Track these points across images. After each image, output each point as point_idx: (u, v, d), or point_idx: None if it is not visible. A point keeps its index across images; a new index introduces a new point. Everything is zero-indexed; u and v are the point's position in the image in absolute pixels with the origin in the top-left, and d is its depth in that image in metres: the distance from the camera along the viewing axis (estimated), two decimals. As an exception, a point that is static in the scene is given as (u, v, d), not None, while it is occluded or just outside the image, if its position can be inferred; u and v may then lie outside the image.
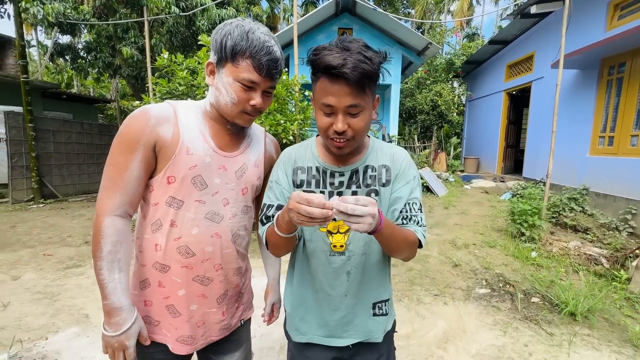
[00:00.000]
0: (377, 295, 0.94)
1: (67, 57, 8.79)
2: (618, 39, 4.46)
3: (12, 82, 7.41)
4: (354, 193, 0.87)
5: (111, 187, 0.79)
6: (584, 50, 4.99)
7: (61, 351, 2.03)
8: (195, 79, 3.95)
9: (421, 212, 0.88)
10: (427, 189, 6.98)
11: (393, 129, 8.87)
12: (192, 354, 0.98)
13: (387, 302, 0.96)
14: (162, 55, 3.97)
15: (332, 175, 0.88)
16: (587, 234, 4.29)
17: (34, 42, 17.48)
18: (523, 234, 4.09)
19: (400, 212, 0.86)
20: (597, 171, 5.26)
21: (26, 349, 2.04)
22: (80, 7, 7.24)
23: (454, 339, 2.23)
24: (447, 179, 8.35)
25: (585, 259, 3.51)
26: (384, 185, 0.88)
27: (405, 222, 0.85)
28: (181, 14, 6.79)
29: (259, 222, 0.92)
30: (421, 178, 6.77)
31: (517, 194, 6.17)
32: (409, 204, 0.86)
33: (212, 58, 0.85)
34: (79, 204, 6.89)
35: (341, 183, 0.87)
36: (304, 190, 0.87)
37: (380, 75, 0.76)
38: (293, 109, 4.53)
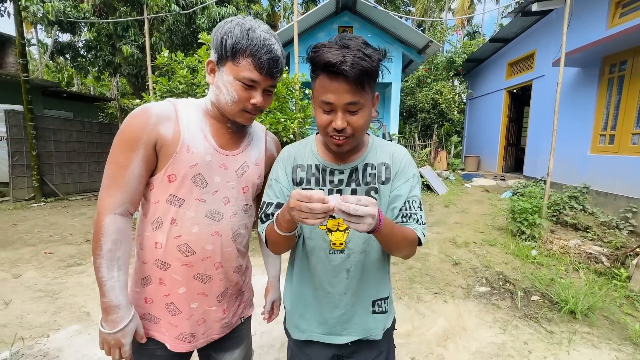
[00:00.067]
0: (376, 293, 0.94)
1: (67, 56, 8.77)
2: (619, 37, 4.44)
3: (13, 80, 7.41)
4: (354, 191, 0.87)
5: (112, 186, 0.80)
6: (585, 48, 4.97)
7: (62, 349, 2.04)
8: (196, 78, 3.95)
9: (421, 210, 0.87)
10: (427, 187, 6.98)
11: (393, 127, 8.85)
12: (192, 352, 0.99)
13: (386, 300, 0.97)
14: (162, 53, 3.97)
15: (332, 173, 0.88)
16: (588, 232, 4.29)
17: (34, 41, 17.46)
18: (523, 233, 4.09)
19: (400, 210, 0.86)
20: (597, 169, 5.25)
21: (28, 347, 2.05)
22: (80, 5, 7.22)
23: (454, 336, 2.24)
24: (447, 178, 8.35)
25: (586, 257, 3.51)
26: (383, 183, 0.88)
27: (404, 220, 0.85)
28: (181, 12, 6.77)
29: (259, 220, 0.92)
30: (421, 176, 6.79)
31: (518, 192, 6.17)
32: (408, 202, 0.86)
33: (213, 56, 0.85)
34: (80, 203, 6.90)
35: (341, 181, 0.87)
36: (303, 188, 0.87)
37: (380, 72, 0.76)
38: (293, 108, 4.53)
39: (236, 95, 0.82)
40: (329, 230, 0.88)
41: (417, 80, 11.98)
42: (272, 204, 0.89)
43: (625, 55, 4.90)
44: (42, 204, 6.62)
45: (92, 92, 16.77)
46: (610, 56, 5.16)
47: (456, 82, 13.96)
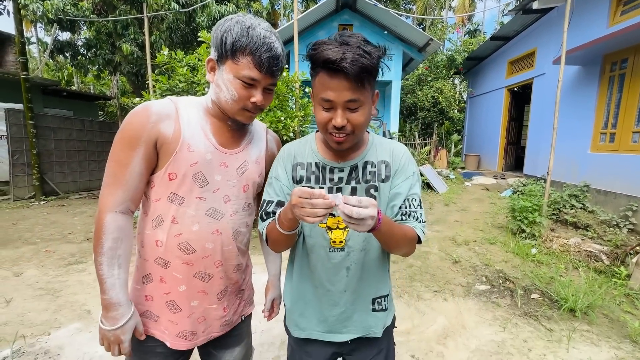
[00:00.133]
0: (376, 291, 0.94)
1: (67, 54, 8.76)
2: (621, 35, 4.42)
3: (12, 79, 7.41)
4: (354, 189, 0.87)
5: (113, 184, 0.80)
6: (586, 46, 4.96)
7: (63, 346, 2.04)
8: (196, 76, 3.94)
9: (421, 207, 0.87)
10: (427, 186, 6.98)
11: (394, 125, 8.85)
12: (192, 349, 0.99)
13: (386, 298, 0.97)
14: (162, 52, 3.96)
15: (332, 171, 0.88)
16: (588, 230, 4.29)
17: (33, 39, 17.44)
18: (523, 231, 4.09)
19: (400, 208, 0.86)
20: (598, 168, 5.25)
21: (29, 345, 2.06)
22: (80, 3, 7.20)
23: (454, 334, 2.24)
24: (447, 176, 8.35)
25: (586, 255, 3.52)
26: (383, 181, 0.88)
27: (404, 218, 0.85)
28: (181, 10, 6.75)
29: (259, 218, 0.92)
30: (422, 175, 6.79)
31: (518, 190, 6.17)
32: (408, 199, 0.86)
33: (213, 54, 0.84)
34: (80, 201, 6.91)
35: (340, 179, 0.87)
36: (303, 187, 0.87)
37: (380, 70, 0.76)
38: (293, 106, 4.53)
39: (236, 94, 0.82)
40: (329, 228, 0.88)
41: (418, 78, 11.96)
42: (273, 202, 0.89)
43: (626, 53, 4.89)
44: (42, 202, 6.63)
45: (92, 91, 16.75)
46: (611, 54, 5.15)
47: (456, 81, 13.93)
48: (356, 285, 0.91)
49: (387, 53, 0.76)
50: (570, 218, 4.57)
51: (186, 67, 3.93)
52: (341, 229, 0.87)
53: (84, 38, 8.62)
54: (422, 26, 17.34)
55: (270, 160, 1.01)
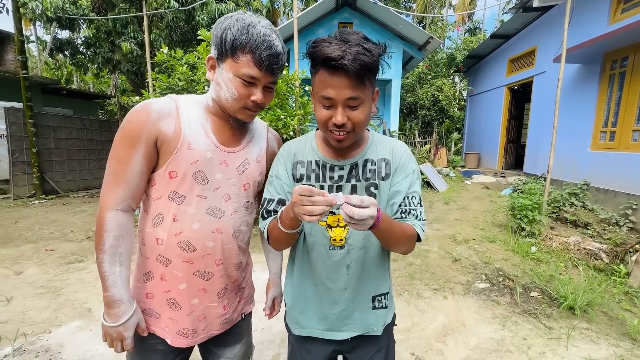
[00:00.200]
0: (376, 289, 0.95)
1: (67, 53, 8.75)
2: (621, 33, 4.42)
3: (12, 77, 7.39)
4: (354, 187, 0.87)
5: (114, 182, 0.80)
6: (586, 44, 4.95)
7: (64, 344, 2.05)
8: (195, 74, 3.94)
9: (421, 205, 0.87)
10: (427, 184, 6.98)
11: (394, 124, 8.84)
12: (193, 347, 0.99)
13: (386, 296, 0.97)
14: (161, 50, 3.96)
15: (332, 169, 0.88)
16: (587, 229, 4.29)
17: (33, 38, 17.40)
18: (523, 229, 4.10)
19: (399, 206, 0.86)
20: (598, 166, 5.25)
21: (30, 342, 2.06)
22: (79, 1, 7.19)
23: (453, 332, 2.25)
24: (447, 175, 8.35)
25: (585, 253, 3.52)
26: (383, 179, 0.88)
27: (404, 216, 0.85)
28: (180, 8, 6.73)
29: (260, 217, 0.92)
30: (422, 173, 6.78)
31: (518, 189, 6.17)
32: (408, 197, 0.86)
33: (213, 52, 0.84)
34: (80, 200, 6.91)
35: (341, 177, 0.87)
36: (303, 184, 0.87)
37: (380, 67, 0.76)
38: (293, 104, 4.52)
39: (236, 92, 0.81)
40: (329, 226, 0.88)
41: (418, 77, 11.95)
42: (274, 200, 0.89)
43: (626, 51, 4.88)
44: (42, 201, 6.63)
45: (91, 90, 16.73)
46: (611, 52, 5.14)
47: (457, 79, 13.92)
48: (356, 283, 0.91)
49: (387, 51, 0.76)
50: (570, 216, 4.58)
51: (186, 66, 3.92)
52: (341, 227, 0.88)
53: (84, 36, 8.60)
54: (422, 24, 17.30)
55: (270, 159, 1.01)
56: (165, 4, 6.57)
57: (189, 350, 1.01)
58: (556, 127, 4.41)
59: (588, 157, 5.52)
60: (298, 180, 0.90)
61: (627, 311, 2.51)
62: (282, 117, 3.89)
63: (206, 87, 3.78)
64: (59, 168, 7.49)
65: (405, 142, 9.85)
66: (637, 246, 3.30)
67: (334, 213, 0.87)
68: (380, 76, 0.79)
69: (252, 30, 0.78)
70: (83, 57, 8.62)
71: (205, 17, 6.95)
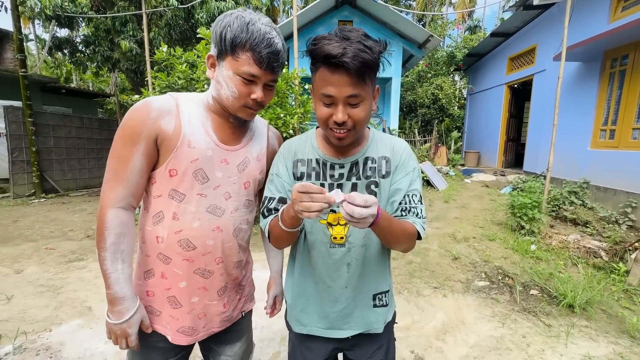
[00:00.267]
0: (377, 287, 0.95)
1: (66, 51, 8.73)
2: (621, 31, 4.41)
3: (11, 76, 7.37)
4: (354, 185, 0.87)
5: (114, 179, 0.80)
6: (586, 42, 4.94)
7: (65, 342, 2.05)
8: (195, 73, 3.93)
9: (421, 203, 0.87)
10: (427, 183, 6.99)
11: (394, 122, 8.83)
12: (193, 344, 1.00)
13: (387, 294, 0.97)
14: (160, 48, 3.95)
15: (332, 167, 0.88)
16: (587, 227, 4.30)
17: (32, 36, 17.35)
18: (523, 227, 4.10)
19: (400, 203, 0.86)
20: (598, 165, 5.25)
21: (30, 341, 2.07)
22: (78, 0, 7.17)
23: (453, 330, 2.26)
24: (447, 173, 8.35)
25: (585, 252, 3.53)
26: (383, 177, 0.87)
27: (404, 213, 0.85)
28: (180, 6, 6.72)
29: (261, 215, 0.92)
30: (421, 172, 6.78)
31: (518, 187, 6.17)
32: (408, 195, 0.86)
33: (213, 50, 0.84)
34: (80, 199, 6.91)
35: (341, 175, 0.87)
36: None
37: (381, 65, 0.76)
38: (293, 103, 4.52)
39: (236, 91, 0.81)
40: (330, 224, 0.88)
41: (418, 75, 11.93)
42: (274, 198, 0.89)
43: (626, 49, 4.87)
44: (42, 200, 6.63)
45: (91, 88, 16.70)
46: (611, 50, 5.13)
47: (457, 77, 13.89)
48: (357, 281, 0.91)
49: (387, 49, 0.75)
50: (569, 215, 4.58)
51: (185, 64, 3.91)
52: (342, 225, 0.88)
53: (83, 35, 8.59)
54: (422, 22, 17.26)
55: (271, 157, 1.01)
56: (165, 2, 6.55)
57: (190, 347, 1.01)
58: (556, 125, 4.41)
59: (588, 156, 5.52)
60: (298, 178, 0.90)
61: (626, 309, 2.51)
62: (282, 115, 3.89)
63: (205, 86, 3.77)
64: (59, 167, 7.49)
65: (405, 141, 9.82)
66: (636, 244, 3.30)
67: (334, 211, 0.87)
68: (380, 74, 0.79)
69: (252, 28, 0.77)
70: (82, 55, 8.60)
71: (204, 16, 6.93)
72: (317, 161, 0.89)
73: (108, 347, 2.00)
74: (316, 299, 0.94)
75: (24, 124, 6.68)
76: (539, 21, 7.25)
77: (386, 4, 7.49)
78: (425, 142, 10.41)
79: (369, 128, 0.94)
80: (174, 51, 3.98)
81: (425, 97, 10.93)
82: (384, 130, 8.60)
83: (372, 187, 0.87)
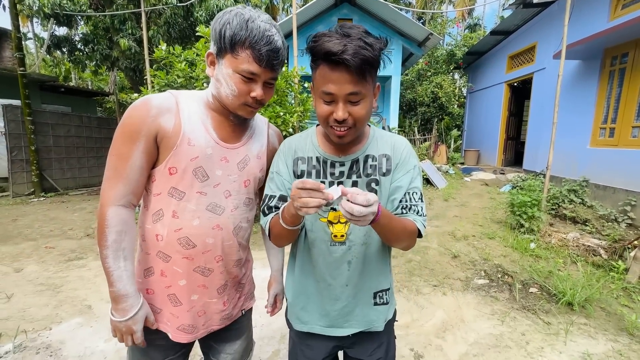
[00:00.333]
0: (377, 285, 0.95)
1: (64, 50, 8.71)
2: (621, 29, 4.40)
3: (10, 75, 7.35)
4: (354, 183, 0.87)
5: (114, 177, 0.80)
6: (586, 40, 4.93)
7: (65, 341, 2.06)
8: (194, 71, 3.92)
9: (422, 201, 0.87)
10: (427, 181, 6.99)
11: (393, 121, 8.82)
12: (193, 342, 1.00)
13: (387, 292, 0.97)
14: (160, 47, 3.93)
15: (333, 165, 0.88)
16: (586, 225, 4.31)
17: (30, 35, 17.28)
18: (522, 226, 4.10)
19: (400, 201, 0.86)
20: (597, 163, 5.25)
21: (30, 339, 2.07)
22: (76, -3, 7.15)
23: (453, 328, 2.26)
24: (447, 172, 8.34)
25: (584, 250, 3.53)
26: (384, 174, 0.87)
27: (404, 211, 0.85)
28: (179, 4, 6.69)
29: (261, 213, 0.92)
30: (421, 170, 6.79)
31: (517, 186, 6.18)
32: (408, 193, 0.86)
33: (212, 48, 0.83)
34: (80, 198, 6.90)
35: (342, 173, 0.87)
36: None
37: (381, 62, 0.75)
38: (292, 101, 4.51)
39: (236, 89, 0.81)
40: (330, 222, 0.88)
41: (417, 73, 11.90)
42: (275, 196, 0.89)
43: (626, 47, 4.86)
44: (41, 199, 6.62)
45: (89, 87, 16.65)
46: (611, 48, 5.12)
47: (456, 76, 13.87)
48: (357, 279, 0.91)
49: (387, 44, 0.75)
50: (569, 213, 4.59)
51: (184, 63, 3.90)
52: (342, 223, 0.87)
53: (81, 33, 8.55)
54: (421, 20, 17.22)
55: (271, 155, 1.00)
56: (164, 0, 6.52)
57: (190, 345, 1.01)
58: (556, 123, 4.40)
59: (587, 154, 5.52)
60: (299, 176, 0.90)
61: (625, 307, 2.52)
62: (281, 114, 3.88)
63: (205, 84, 3.76)
64: (58, 166, 7.47)
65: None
66: (635, 242, 3.31)
67: (334, 209, 0.87)
68: (379, 72, 0.78)
69: (251, 25, 0.77)
70: (81, 54, 8.58)
71: (203, 14, 6.91)
72: (318, 159, 0.89)
73: (108, 345, 2.01)
74: (317, 297, 0.94)
75: (23, 122, 6.66)
76: (539, 19, 7.23)
77: (386, 2, 7.45)
78: (425, 140, 10.40)
79: (369, 126, 0.93)
80: (173, 49, 3.96)
81: (425, 96, 10.91)
82: (383, 129, 8.58)
83: (373, 185, 0.87)
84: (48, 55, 13.95)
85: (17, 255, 3.52)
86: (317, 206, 0.64)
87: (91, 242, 3.97)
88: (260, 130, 1.01)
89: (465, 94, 12.43)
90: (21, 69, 6.43)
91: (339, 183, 0.87)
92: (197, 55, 3.97)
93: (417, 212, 0.85)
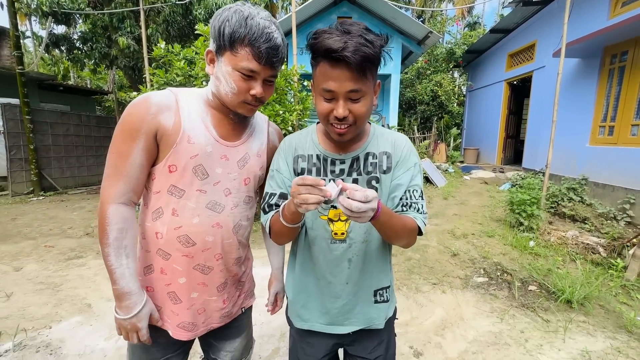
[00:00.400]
0: (378, 282, 0.95)
1: (63, 48, 8.66)
2: (621, 27, 4.40)
3: (8, 73, 7.32)
4: (355, 180, 0.87)
5: (114, 175, 0.80)
6: (586, 38, 4.93)
7: (65, 339, 2.06)
8: (193, 69, 3.91)
9: (422, 199, 0.87)
10: (426, 179, 6.99)
11: (393, 119, 8.82)
12: (193, 340, 1.00)
13: (388, 289, 0.97)
14: (158, 45, 3.92)
15: (333, 162, 0.87)
16: (585, 223, 4.31)
17: (28, 33, 17.21)
18: (521, 224, 4.11)
19: (400, 199, 0.86)
20: (596, 161, 5.26)
21: (30, 338, 2.07)
22: (75, -5, 7.10)
23: (452, 326, 2.27)
24: (446, 170, 8.35)
25: (583, 248, 3.54)
26: (384, 172, 0.87)
27: (405, 209, 0.85)
28: (177, 2, 6.66)
29: (262, 211, 0.92)
30: (421, 169, 6.79)
31: (517, 184, 6.18)
32: (409, 191, 0.86)
33: (212, 46, 0.83)
34: (79, 197, 6.89)
35: (342, 171, 0.87)
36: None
37: (382, 59, 0.75)
38: (292, 100, 4.50)
39: (235, 87, 0.81)
40: (331, 220, 0.88)
41: (417, 72, 11.89)
42: (275, 194, 0.89)
43: (626, 45, 4.86)
44: (41, 197, 6.61)
45: (88, 86, 16.61)
46: (611, 46, 5.12)
47: (456, 74, 13.85)
48: (358, 277, 0.91)
49: (388, 41, 0.74)
50: (568, 211, 4.60)
51: (183, 61, 3.89)
52: (343, 221, 0.87)
53: (80, 31, 8.50)
54: (421, 19, 17.17)
55: (271, 153, 1.00)
56: (162, -2, 6.49)
57: (190, 343, 1.02)
58: (555, 122, 4.41)
59: (587, 152, 5.52)
60: (299, 174, 0.89)
61: (624, 304, 2.53)
62: (281, 112, 3.88)
63: (204, 82, 3.76)
64: (57, 165, 7.46)
65: (404, 138, 9.79)
66: (634, 240, 3.32)
67: (335, 207, 0.87)
68: (379, 70, 0.78)
69: (250, 22, 0.76)
70: (79, 52, 8.53)
71: (202, 12, 6.88)
72: (318, 157, 0.89)
73: (108, 343, 2.01)
74: (317, 294, 0.94)
75: (21, 121, 6.64)
76: (539, 17, 7.22)
77: (385, 0, 7.43)
78: (425, 139, 10.39)
79: (369, 123, 0.93)
80: (172, 48, 3.95)
81: (424, 94, 10.91)
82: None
83: (373, 182, 0.86)
84: (46, 54, 13.90)
85: (17, 254, 3.52)
86: (317, 203, 0.64)
87: (91, 241, 3.97)
88: (260, 128, 1.01)
89: (464, 93, 12.42)
90: (19, 67, 6.41)
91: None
92: (196, 53, 3.96)
93: (418, 210, 0.85)
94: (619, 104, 5.00)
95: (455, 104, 11.93)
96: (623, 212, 4.38)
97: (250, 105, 0.85)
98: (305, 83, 4.49)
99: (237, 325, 1.08)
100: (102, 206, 0.79)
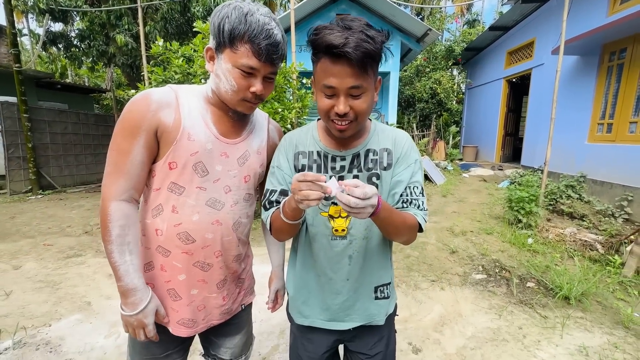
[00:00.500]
0: (378, 279, 0.95)
1: (60, 46, 8.59)
2: (620, 24, 4.40)
3: (5, 71, 7.27)
4: (355, 177, 0.87)
5: (115, 172, 0.79)
6: (585, 35, 4.93)
7: (64, 337, 2.06)
8: (191, 67, 3.89)
9: (422, 196, 0.87)
10: (425, 177, 7.00)
11: (392, 117, 8.81)
12: (193, 336, 1.00)
13: (388, 286, 0.97)
14: (156, 42, 3.90)
15: (334, 159, 0.88)
16: (583, 220, 4.33)
17: (25, 31, 17.09)
18: (520, 221, 4.13)
19: (401, 195, 0.86)
20: (595, 158, 5.27)
21: (30, 336, 2.07)
22: (72, -7, 7.05)
23: (450, 322, 2.28)
24: (445, 168, 8.36)
25: (581, 244, 3.56)
26: (385, 169, 0.87)
27: (405, 205, 0.85)
28: (175, -1, 6.62)
29: (262, 207, 0.92)
30: (420, 166, 6.80)
31: (515, 181, 6.20)
32: (409, 187, 0.86)
33: (211, 43, 0.83)
34: (78, 195, 6.88)
35: (342, 167, 0.87)
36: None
37: (383, 55, 0.74)
38: (291, 97, 4.49)
39: (235, 84, 0.80)
40: (331, 216, 0.88)
41: (416, 69, 11.88)
42: (276, 191, 0.89)
43: (625, 42, 4.86)
44: (39, 196, 6.59)
45: (86, 84, 16.51)
46: (610, 44, 5.12)
47: (455, 72, 13.83)
48: (358, 273, 0.91)
49: (389, 37, 0.74)
50: (566, 208, 4.61)
51: (182, 58, 3.87)
52: (343, 217, 0.88)
53: (77, 29, 8.44)
54: (420, 16, 17.13)
55: (271, 150, 1.00)
56: (160, -5, 6.45)
57: (189, 340, 1.02)
58: (554, 119, 4.41)
59: (585, 149, 5.54)
60: (300, 170, 0.90)
61: (621, 300, 2.55)
62: (280, 110, 3.87)
63: (202, 80, 3.74)
64: (55, 163, 7.43)
65: (403, 136, 9.78)
66: (632, 237, 3.34)
67: (335, 204, 0.87)
68: (380, 67, 0.78)
69: (250, 19, 0.76)
70: (77, 50, 8.47)
71: (200, 9, 6.83)
72: (319, 153, 0.89)
73: (108, 341, 2.01)
74: (318, 291, 0.95)
75: (19, 119, 6.61)
76: (538, 14, 7.21)
77: (384, -3, 7.40)
78: (424, 136, 10.40)
79: (370, 120, 0.93)
80: (170, 45, 3.93)
81: (423, 92, 10.90)
82: (382, 125, 8.56)
83: (374, 179, 0.87)
84: (44, 52, 13.82)
85: (16, 252, 3.51)
86: (318, 199, 0.64)
87: (90, 239, 3.96)
88: (261, 126, 1.01)
89: (463, 90, 12.42)
90: (17, 65, 6.37)
91: (340, 177, 0.87)
92: (195, 51, 3.94)
93: (418, 207, 0.85)
94: (617, 102, 5.01)
95: (454, 102, 11.94)
96: (621, 209, 4.40)
97: (250, 102, 0.85)
98: (305, 81, 4.47)
99: (237, 322, 1.09)
100: (104, 203, 0.79)
